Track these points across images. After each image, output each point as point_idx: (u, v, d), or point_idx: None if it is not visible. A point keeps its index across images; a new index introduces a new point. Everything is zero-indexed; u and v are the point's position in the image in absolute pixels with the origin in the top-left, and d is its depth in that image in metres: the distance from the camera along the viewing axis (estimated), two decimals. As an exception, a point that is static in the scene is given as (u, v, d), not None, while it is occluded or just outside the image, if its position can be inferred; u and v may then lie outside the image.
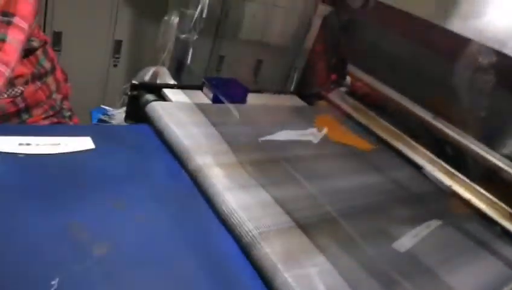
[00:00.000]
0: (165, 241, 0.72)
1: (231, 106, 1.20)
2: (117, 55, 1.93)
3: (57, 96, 1.09)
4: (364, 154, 1.24)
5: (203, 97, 1.28)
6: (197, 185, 0.88)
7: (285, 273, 0.68)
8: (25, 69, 1.01)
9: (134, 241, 0.70)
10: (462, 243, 0.97)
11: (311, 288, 0.68)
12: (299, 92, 1.60)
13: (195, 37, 1.60)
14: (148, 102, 1.12)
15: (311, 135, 1.20)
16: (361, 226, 0.88)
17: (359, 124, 1.42)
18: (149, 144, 0.99)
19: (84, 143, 0.89)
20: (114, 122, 1.65)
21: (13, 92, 0.99)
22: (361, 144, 1.26)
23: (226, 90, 1.25)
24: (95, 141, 0.91)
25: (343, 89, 1.61)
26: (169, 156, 0.96)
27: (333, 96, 1.59)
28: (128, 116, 1.21)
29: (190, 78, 1.66)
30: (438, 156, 1.24)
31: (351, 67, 1.57)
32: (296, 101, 1.52)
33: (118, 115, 1.78)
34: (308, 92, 1.64)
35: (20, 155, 0.80)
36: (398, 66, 1.31)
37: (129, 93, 1.14)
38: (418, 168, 1.24)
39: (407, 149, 1.30)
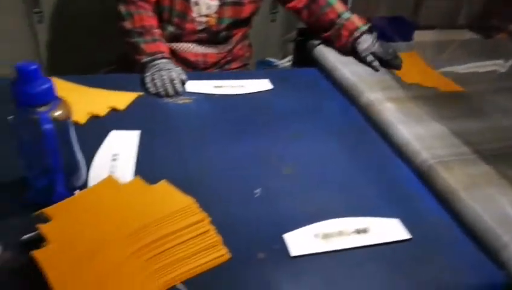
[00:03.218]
0: (341, 165, 0.78)
1: (397, 44, 1.17)
2: (274, 11, 2.01)
3: (247, 54, 1.28)
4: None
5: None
6: (368, 119, 0.91)
7: (469, 200, 0.67)
8: (241, 31, 1.19)
9: (315, 164, 0.77)
10: None
11: (499, 213, 0.65)
12: (473, 25, 1.44)
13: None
14: (314, 46, 1.17)
15: (495, 64, 1.09)
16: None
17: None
18: (319, 85, 1.05)
19: (264, 84, 1.00)
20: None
21: (227, 48, 1.18)
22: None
23: (392, 29, 1.22)
24: (272, 83, 1.01)
25: (528, 17, 1.39)
26: (338, 94, 1.01)
27: (515, 27, 1.39)
28: (295, 62, 1.28)
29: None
30: None
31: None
32: (470, 35, 1.38)
33: (281, 65, 1.90)
34: (484, 25, 1.46)
35: (215, 95, 0.95)
36: None
37: (296, 38, 1.21)
38: None
39: None
